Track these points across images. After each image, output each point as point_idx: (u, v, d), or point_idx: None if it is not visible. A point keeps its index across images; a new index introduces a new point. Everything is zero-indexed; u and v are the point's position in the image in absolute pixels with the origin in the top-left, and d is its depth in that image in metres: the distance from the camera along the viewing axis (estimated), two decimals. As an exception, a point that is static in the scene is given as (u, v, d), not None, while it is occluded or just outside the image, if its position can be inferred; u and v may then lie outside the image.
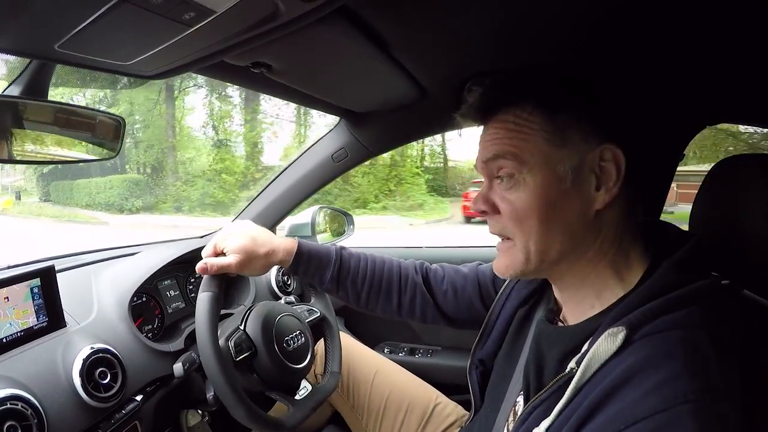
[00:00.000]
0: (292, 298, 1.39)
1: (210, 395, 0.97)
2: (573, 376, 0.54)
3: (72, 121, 0.80)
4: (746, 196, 0.63)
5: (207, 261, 0.84)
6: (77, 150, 0.83)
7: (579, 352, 0.57)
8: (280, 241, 0.90)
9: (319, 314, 1.18)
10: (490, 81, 0.68)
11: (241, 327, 0.95)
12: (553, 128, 0.59)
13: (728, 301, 0.56)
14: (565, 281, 0.65)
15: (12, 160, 0.74)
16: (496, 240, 0.68)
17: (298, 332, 1.03)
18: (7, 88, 0.72)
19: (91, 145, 0.85)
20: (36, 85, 0.72)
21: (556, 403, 0.55)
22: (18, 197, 16.67)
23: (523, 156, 0.60)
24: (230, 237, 0.87)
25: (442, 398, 1.15)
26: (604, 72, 0.84)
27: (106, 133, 0.85)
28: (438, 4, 0.65)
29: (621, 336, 0.51)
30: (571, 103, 0.60)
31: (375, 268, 0.94)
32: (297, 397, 1.01)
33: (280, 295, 1.42)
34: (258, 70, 0.80)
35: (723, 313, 0.54)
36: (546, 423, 0.55)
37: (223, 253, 0.86)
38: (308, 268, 0.91)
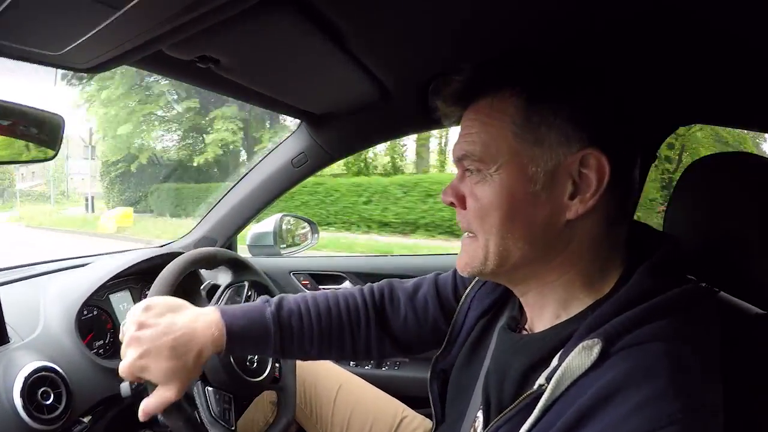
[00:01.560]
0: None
1: (160, 417, 0.91)
2: (542, 393, 0.49)
3: (7, 118, 0.75)
4: (721, 196, 0.62)
5: (144, 407, 0.67)
6: (12, 149, 0.78)
7: (546, 365, 0.52)
8: (203, 328, 0.70)
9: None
10: (472, 65, 0.62)
11: (207, 385, 0.86)
12: (526, 123, 0.54)
13: (709, 308, 0.53)
14: (528, 286, 0.61)
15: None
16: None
17: None
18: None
19: (27, 145, 0.80)
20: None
21: (524, 423, 0.50)
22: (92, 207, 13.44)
23: (488, 156, 0.56)
24: (147, 361, 0.66)
25: (409, 412, 1.10)
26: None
27: (45, 132, 0.81)
28: None
29: (597, 349, 0.47)
30: (554, 95, 0.55)
31: (321, 320, 0.80)
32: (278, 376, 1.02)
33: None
34: (205, 65, 0.76)
35: (704, 321, 0.51)
36: None
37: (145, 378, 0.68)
38: (245, 349, 0.77)
